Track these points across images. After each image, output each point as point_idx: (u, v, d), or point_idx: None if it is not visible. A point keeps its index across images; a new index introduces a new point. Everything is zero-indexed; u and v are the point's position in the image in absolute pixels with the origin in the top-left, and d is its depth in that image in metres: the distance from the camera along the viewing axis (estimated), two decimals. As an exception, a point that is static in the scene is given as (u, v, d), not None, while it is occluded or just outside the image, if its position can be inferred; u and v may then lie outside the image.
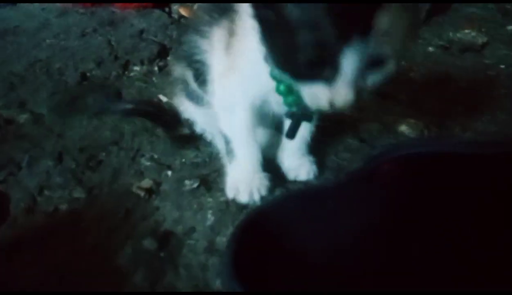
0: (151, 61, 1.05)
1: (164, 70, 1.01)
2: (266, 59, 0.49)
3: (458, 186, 0.47)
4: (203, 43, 0.61)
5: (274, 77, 0.52)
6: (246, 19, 0.49)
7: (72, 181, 0.69)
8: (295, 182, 0.67)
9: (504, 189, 0.45)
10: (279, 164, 0.69)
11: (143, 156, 0.75)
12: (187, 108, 0.70)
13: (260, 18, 0.45)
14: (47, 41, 1.10)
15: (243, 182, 0.62)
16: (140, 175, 0.71)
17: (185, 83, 0.68)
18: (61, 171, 0.71)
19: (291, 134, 0.58)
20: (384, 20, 0.39)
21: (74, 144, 0.76)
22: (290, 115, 0.57)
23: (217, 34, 0.58)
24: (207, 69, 0.62)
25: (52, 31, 1.16)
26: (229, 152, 0.64)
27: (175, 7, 1.37)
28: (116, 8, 1.33)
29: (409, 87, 1.02)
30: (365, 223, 0.49)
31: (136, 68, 1.01)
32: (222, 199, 0.64)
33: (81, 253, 0.57)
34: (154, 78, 0.98)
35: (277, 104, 0.58)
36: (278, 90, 0.53)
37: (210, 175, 0.69)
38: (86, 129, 0.81)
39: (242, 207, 0.62)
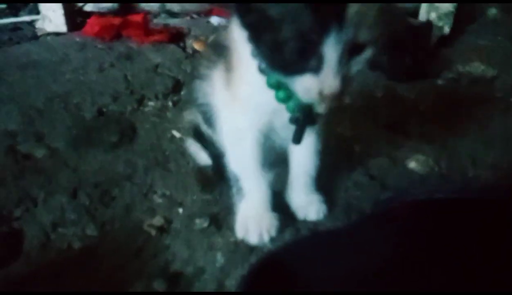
0: (165, 96, 1.08)
1: (178, 105, 1.04)
2: (258, 59, 0.52)
3: (465, 230, 0.47)
4: (206, 86, 0.64)
5: (271, 85, 0.55)
6: (236, 33, 0.53)
7: (85, 217, 0.70)
8: (305, 221, 0.67)
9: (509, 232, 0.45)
10: (288, 201, 0.69)
11: (155, 192, 0.76)
12: (197, 152, 0.72)
13: (247, 24, 0.49)
14: (66, 75, 1.15)
15: (253, 222, 0.62)
16: (152, 211, 0.72)
17: (196, 125, 0.70)
18: (75, 207, 0.72)
19: (297, 139, 0.60)
20: (354, 8, 0.44)
21: (88, 179, 0.78)
22: (294, 120, 0.58)
23: (217, 75, 0.62)
24: (212, 110, 0.65)
25: (71, 65, 1.21)
26: (239, 190, 0.65)
27: (189, 41, 1.42)
28: (133, 43, 1.38)
29: (419, 120, 1.03)
30: (376, 266, 0.49)
31: (151, 103, 1.04)
32: (232, 239, 0.64)
33: (90, 290, 0.57)
34: (168, 114, 1.00)
35: (282, 127, 0.60)
36: (277, 98, 0.56)
37: (220, 213, 0.70)
38: (100, 163, 0.83)
39: (252, 248, 0.62)
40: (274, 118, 0.59)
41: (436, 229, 0.48)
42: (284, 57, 0.47)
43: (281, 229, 0.63)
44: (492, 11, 1.53)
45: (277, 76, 0.53)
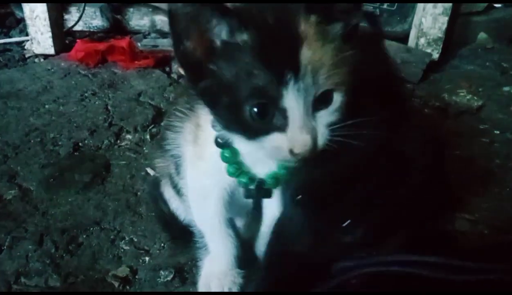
0: (144, 128, 1.07)
1: (156, 138, 1.03)
2: (216, 130, 0.52)
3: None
4: (177, 138, 0.62)
5: (224, 158, 0.54)
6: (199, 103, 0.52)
7: (50, 267, 0.69)
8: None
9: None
10: (257, 253, 0.67)
11: (123, 238, 0.74)
12: (171, 198, 0.71)
13: (202, 90, 0.47)
14: (46, 106, 1.14)
15: (215, 280, 0.61)
16: (118, 260, 0.71)
17: (169, 174, 0.69)
18: (40, 255, 0.71)
19: (256, 209, 0.59)
20: (307, 53, 0.42)
21: (56, 224, 0.77)
22: (247, 195, 0.57)
23: (187, 129, 0.60)
24: (182, 162, 0.63)
25: (53, 95, 1.20)
26: (203, 245, 0.63)
27: (175, 66, 1.41)
28: (118, 69, 1.38)
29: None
30: None
31: (129, 136, 1.03)
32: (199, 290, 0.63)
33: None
34: (145, 148, 0.99)
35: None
36: (228, 172, 0.54)
37: (187, 264, 0.69)
38: (70, 206, 0.81)
39: (213, 308, 0.61)
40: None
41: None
42: (245, 119, 0.44)
43: (244, 286, 0.62)
44: (482, 35, 1.52)
45: (230, 152, 0.52)
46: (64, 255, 0.71)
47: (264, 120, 0.44)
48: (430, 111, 1.23)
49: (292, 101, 0.43)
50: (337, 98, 0.45)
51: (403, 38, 1.49)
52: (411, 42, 1.47)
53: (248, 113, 0.44)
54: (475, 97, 1.24)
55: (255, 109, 0.44)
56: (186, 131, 0.61)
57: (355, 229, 0.52)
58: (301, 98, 0.43)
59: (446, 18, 1.39)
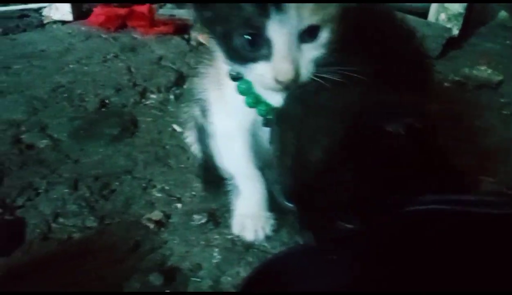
0: (167, 89, 1.08)
1: (180, 98, 1.04)
2: (227, 64, 0.54)
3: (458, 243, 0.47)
4: (202, 83, 0.65)
5: (240, 91, 0.56)
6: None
7: (86, 209, 0.71)
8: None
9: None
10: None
11: (154, 187, 0.77)
12: (195, 143, 0.73)
13: (204, 19, 0.50)
14: (70, 66, 1.15)
15: (249, 219, 0.63)
16: (151, 206, 0.73)
17: (195, 119, 0.71)
18: (75, 198, 0.73)
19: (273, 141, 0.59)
20: None
21: (89, 172, 0.79)
22: (266, 123, 0.58)
23: (211, 73, 0.63)
24: (208, 106, 0.65)
25: (76, 56, 1.21)
26: (234, 187, 0.65)
27: (194, 34, 1.42)
28: (137, 34, 1.38)
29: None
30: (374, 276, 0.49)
31: (153, 96, 1.05)
32: (229, 236, 0.65)
33: (87, 284, 0.59)
34: (169, 107, 1.01)
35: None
36: (247, 103, 0.56)
37: (219, 210, 0.71)
38: (101, 156, 0.83)
39: (248, 246, 0.63)
40: (258, 119, 0.59)
41: (429, 239, 0.48)
42: (236, 48, 0.48)
43: (277, 229, 0.64)
44: (503, 14, 1.51)
45: (245, 83, 0.54)
46: (98, 199, 0.73)
47: (252, 49, 0.47)
48: (450, 85, 1.24)
49: (276, 32, 0.45)
50: (324, 35, 0.48)
51: (423, 14, 1.49)
52: (431, 17, 1.46)
53: (238, 42, 0.47)
54: (496, 72, 1.24)
55: (243, 39, 0.47)
56: (209, 75, 0.63)
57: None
58: (284, 30, 0.45)
59: (468, -7, 1.38)
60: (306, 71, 0.48)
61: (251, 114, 0.58)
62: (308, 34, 0.47)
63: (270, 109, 0.56)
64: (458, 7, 1.40)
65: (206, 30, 0.52)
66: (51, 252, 0.64)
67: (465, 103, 1.13)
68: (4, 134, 0.87)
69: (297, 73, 0.47)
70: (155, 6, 1.59)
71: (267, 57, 0.47)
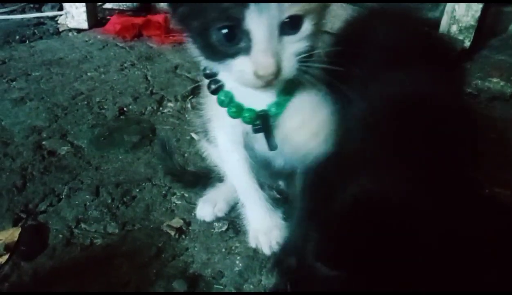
0: (184, 98, 1.09)
1: (196, 107, 1.06)
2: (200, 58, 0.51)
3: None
4: (204, 98, 0.65)
5: (221, 103, 0.55)
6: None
7: (107, 216, 0.72)
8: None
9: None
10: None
11: (174, 194, 0.78)
12: (209, 153, 0.73)
13: (180, 16, 0.48)
14: (89, 73, 1.17)
15: (263, 235, 0.64)
16: (171, 213, 0.74)
17: (206, 131, 0.71)
18: (97, 204, 0.74)
19: (271, 146, 0.58)
20: None
21: (110, 178, 0.80)
22: (256, 130, 0.57)
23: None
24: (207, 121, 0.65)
25: (94, 64, 1.23)
26: (241, 201, 0.66)
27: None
28: (153, 43, 1.40)
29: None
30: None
31: (170, 104, 1.06)
32: (250, 244, 0.66)
33: (113, 289, 0.59)
34: (187, 115, 1.02)
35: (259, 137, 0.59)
36: (230, 114, 0.55)
37: (238, 218, 0.71)
38: (121, 163, 0.85)
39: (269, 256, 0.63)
40: (248, 130, 0.58)
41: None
42: (212, 43, 0.45)
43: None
44: (514, 26, 1.52)
45: (224, 94, 0.53)
46: (119, 205, 0.75)
47: (230, 43, 0.44)
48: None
49: (255, 23, 0.42)
50: (307, 26, 0.45)
51: (434, 26, 1.50)
52: (443, 29, 1.47)
53: (215, 37, 0.45)
54: (508, 84, 1.25)
55: (221, 32, 0.44)
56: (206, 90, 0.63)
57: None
58: (264, 21, 0.42)
59: (480, 6, 1.39)
60: (288, 65, 0.45)
61: (241, 126, 0.57)
62: (290, 26, 0.44)
63: (255, 115, 0.55)
64: (470, 20, 1.42)
65: (181, 28, 0.49)
66: (75, 257, 0.65)
67: (478, 115, 1.14)
68: (27, 141, 0.89)
69: (278, 67, 0.44)
70: (170, 15, 1.62)
71: (246, 50, 0.44)
